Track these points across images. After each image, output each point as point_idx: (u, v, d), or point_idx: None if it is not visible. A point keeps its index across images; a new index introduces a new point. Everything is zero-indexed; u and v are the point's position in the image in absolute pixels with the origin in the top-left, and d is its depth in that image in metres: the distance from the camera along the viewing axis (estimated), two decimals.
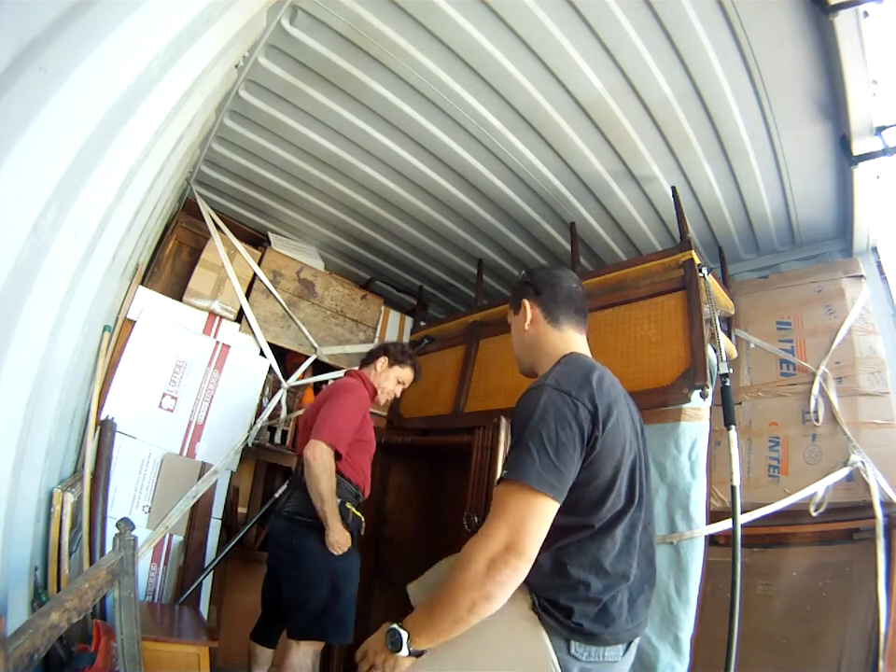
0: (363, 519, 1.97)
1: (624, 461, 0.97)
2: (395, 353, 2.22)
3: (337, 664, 2.39)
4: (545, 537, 0.88)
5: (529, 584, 0.90)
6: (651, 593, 1.04)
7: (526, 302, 1.16)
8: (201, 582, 2.15)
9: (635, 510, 0.98)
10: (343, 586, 1.80)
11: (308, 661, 1.76)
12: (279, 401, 2.80)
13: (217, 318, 2.62)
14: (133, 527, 1.34)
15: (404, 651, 0.87)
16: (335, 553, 1.76)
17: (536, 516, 0.86)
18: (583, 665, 0.90)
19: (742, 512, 1.67)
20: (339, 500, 1.85)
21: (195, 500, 2.27)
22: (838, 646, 1.77)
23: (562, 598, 0.91)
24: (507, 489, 0.89)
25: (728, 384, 1.79)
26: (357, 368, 2.24)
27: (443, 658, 0.92)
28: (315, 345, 2.94)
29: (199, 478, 2.32)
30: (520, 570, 0.84)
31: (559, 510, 0.89)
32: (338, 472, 1.87)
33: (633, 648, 1.01)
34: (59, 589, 1.50)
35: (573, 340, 1.13)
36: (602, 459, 0.93)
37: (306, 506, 1.81)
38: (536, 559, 0.86)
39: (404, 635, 0.88)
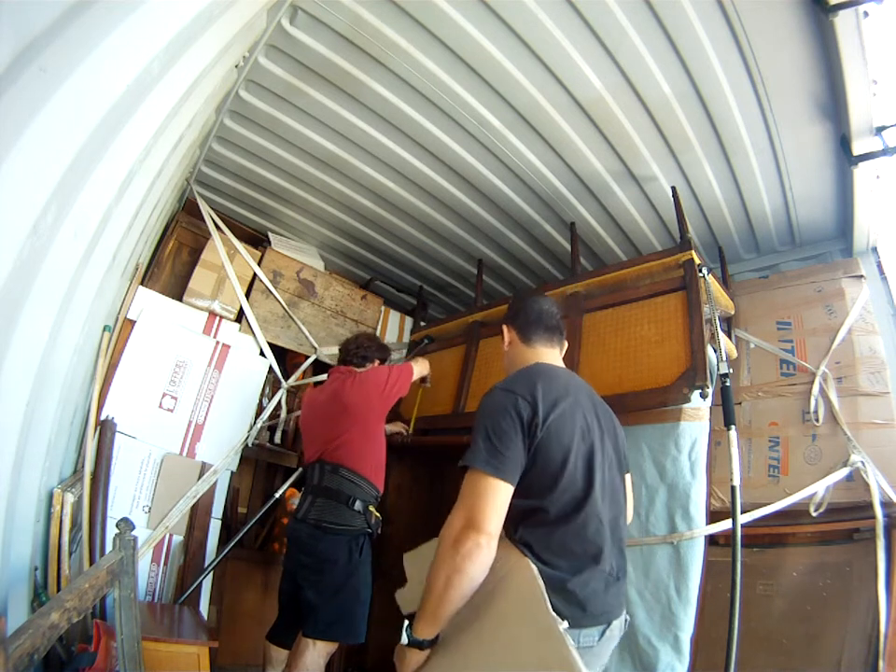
0: (381, 519, 2.04)
1: (574, 449, 1.07)
2: (380, 354, 2.31)
3: (338, 662, 2.39)
4: (512, 519, 1.02)
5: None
6: (624, 581, 1.13)
7: (505, 327, 1.37)
8: (201, 582, 2.14)
9: (599, 501, 1.07)
10: (362, 590, 1.88)
11: (322, 661, 1.80)
12: (279, 401, 2.80)
13: (217, 318, 2.62)
14: (133, 527, 1.34)
15: (403, 639, 0.99)
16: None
17: (487, 495, 0.98)
18: None
19: (742, 512, 1.67)
20: (364, 504, 1.92)
21: (195, 500, 2.27)
22: (838, 646, 1.77)
23: None
24: (465, 478, 1.03)
25: (728, 384, 1.79)
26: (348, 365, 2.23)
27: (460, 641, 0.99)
28: (315, 345, 2.94)
29: (199, 478, 2.32)
30: (481, 543, 0.94)
31: (518, 494, 1.02)
32: (361, 476, 1.95)
33: (609, 633, 1.06)
34: (59, 589, 1.51)
35: (542, 353, 1.28)
36: (547, 445, 1.04)
37: (333, 513, 1.88)
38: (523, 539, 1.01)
39: (405, 624, 1.00)
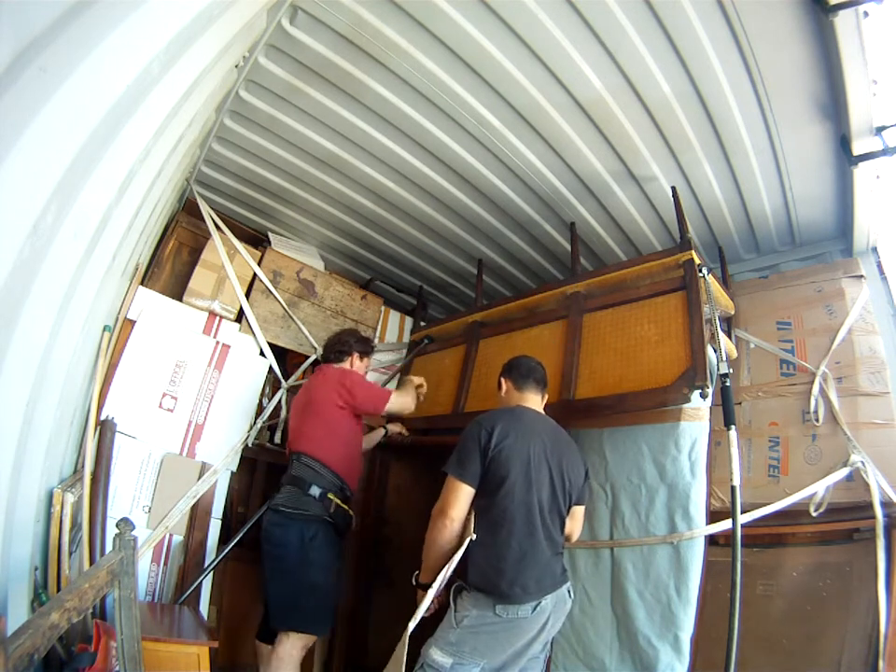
0: (352, 514, 2.05)
1: (515, 468, 1.44)
2: (360, 347, 2.33)
3: (338, 662, 2.39)
4: (476, 511, 1.45)
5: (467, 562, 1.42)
6: (554, 560, 1.48)
7: (502, 379, 1.75)
8: (201, 582, 2.14)
9: (535, 514, 1.43)
10: (313, 577, 1.85)
11: (295, 652, 1.79)
12: (279, 401, 2.79)
13: (217, 318, 2.62)
14: (133, 527, 1.33)
15: (413, 581, 1.53)
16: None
17: (454, 492, 1.45)
18: (504, 622, 1.35)
19: (742, 512, 1.67)
20: (321, 490, 1.94)
21: (195, 500, 2.27)
22: (838, 646, 1.77)
23: (483, 558, 1.40)
24: (445, 480, 1.49)
25: (728, 384, 1.79)
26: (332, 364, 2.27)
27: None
28: (315, 345, 2.94)
29: (199, 478, 2.32)
30: (446, 524, 1.43)
31: (480, 494, 1.45)
32: (321, 463, 1.98)
33: (541, 608, 1.38)
34: (59, 589, 1.50)
35: (527, 398, 1.67)
36: (498, 462, 1.45)
37: (290, 498, 1.92)
38: (477, 530, 1.42)
39: (415, 574, 1.53)
